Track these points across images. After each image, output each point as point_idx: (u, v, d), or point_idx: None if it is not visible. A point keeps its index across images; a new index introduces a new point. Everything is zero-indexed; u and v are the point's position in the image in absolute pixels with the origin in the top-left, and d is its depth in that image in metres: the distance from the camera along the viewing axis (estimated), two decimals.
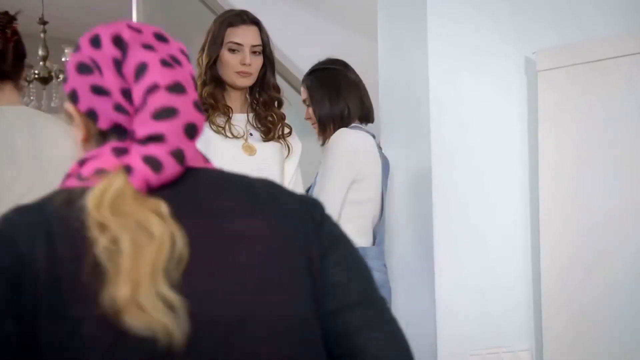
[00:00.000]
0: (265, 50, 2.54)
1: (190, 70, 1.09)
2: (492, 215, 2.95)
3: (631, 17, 3.21)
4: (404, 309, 2.92)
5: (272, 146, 2.55)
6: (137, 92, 1.02)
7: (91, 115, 1.06)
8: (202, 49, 2.55)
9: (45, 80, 5.54)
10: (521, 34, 3.03)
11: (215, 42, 2.51)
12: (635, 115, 2.71)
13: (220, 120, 2.50)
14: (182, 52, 1.11)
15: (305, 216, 1.07)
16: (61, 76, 5.57)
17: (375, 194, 2.72)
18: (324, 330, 1.03)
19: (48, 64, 5.57)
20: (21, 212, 0.99)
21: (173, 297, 0.91)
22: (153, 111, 1.01)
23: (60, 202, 0.97)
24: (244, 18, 2.53)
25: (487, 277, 2.91)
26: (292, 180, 2.60)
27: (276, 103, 2.60)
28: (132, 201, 0.96)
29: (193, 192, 1.04)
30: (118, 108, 1.04)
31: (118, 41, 1.06)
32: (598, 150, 2.81)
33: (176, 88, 1.02)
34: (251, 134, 2.54)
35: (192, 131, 1.04)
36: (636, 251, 2.68)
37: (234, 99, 2.56)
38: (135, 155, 1.00)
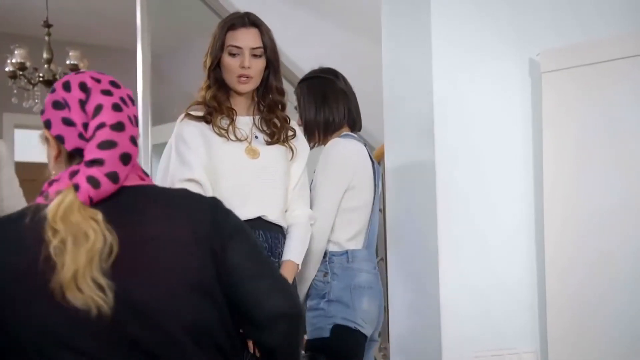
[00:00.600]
0: (267, 52, 2.52)
1: (134, 112, 1.49)
2: (496, 217, 2.95)
3: (633, 17, 3.20)
4: (408, 310, 2.92)
5: (277, 149, 2.54)
6: (91, 126, 1.41)
7: (60, 139, 1.45)
8: (205, 54, 2.55)
9: (49, 83, 5.55)
10: (524, 35, 3.02)
11: (217, 46, 2.50)
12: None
13: (224, 122, 2.49)
14: (129, 96, 1.50)
15: (209, 218, 1.46)
16: None
17: (367, 201, 2.79)
18: (232, 299, 1.44)
19: (52, 66, 5.58)
20: (3, 221, 1.43)
21: (103, 281, 1.32)
22: (98, 142, 1.40)
23: (30, 214, 1.36)
24: (245, 21, 2.52)
25: (491, 278, 2.91)
26: (298, 183, 2.59)
27: (280, 106, 2.58)
28: (78, 211, 1.35)
29: (124, 204, 1.42)
30: (80, 136, 1.43)
31: (83, 86, 1.45)
32: (602, 152, 2.81)
33: (118, 126, 1.42)
34: (256, 137, 2.53)
35: (126, 159, 1.42)
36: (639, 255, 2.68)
37: (239, 102, 2.55)
38: (82, 176, 1.38)
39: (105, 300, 1.32)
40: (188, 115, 2.49)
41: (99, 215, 1.35)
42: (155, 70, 4.11)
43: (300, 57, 4.64)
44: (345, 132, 2.84)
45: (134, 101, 1.50)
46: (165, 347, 1.37)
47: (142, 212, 1.43)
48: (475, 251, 2.89)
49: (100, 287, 1.32)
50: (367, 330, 2.69)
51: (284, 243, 2.50)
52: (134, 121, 1.47)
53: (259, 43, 2.50)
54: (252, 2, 4.51)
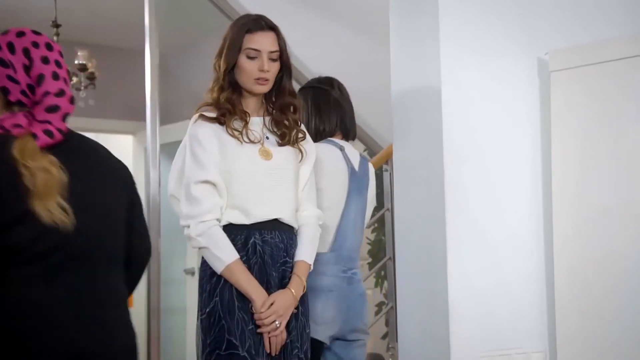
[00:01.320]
0: (283, 56, 2.53)
1: (66, 69, 1.95)
2: (504, 216, 2.94)
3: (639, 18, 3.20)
4: (416, 310, 2.91)
5: (287, 151, 2.54)
6: (38, 93, 1.88)
7: (4, 90, 1.89)
8: (219, 54, 2.52)
9: None
10: (532, 34, 3.02)
11: (233, 48, 2.49)
12: None
13: (237, 124, 2.48)
14: (60, 54, 1.96)
15: (128, 176, 2.09)
16: (74, 79, 5.59)
17: (335, 203, 2.82)
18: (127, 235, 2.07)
19: None
20: None
21: (65, 205, 1.81)
22: (46, 107, 1.88)
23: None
24: (262, 24, 2.51)
25: (499, 278, 2.90)
26: (307, 184, 2.59)
27: (292, 108, 2.59)
28: (39, 154, 1.81)
29: (73, 149, 1.93)
30: (23, 93, 1.89)
31: (26, 53, 1.89)
32: (610, 151, 2.80)
33: (60, 93, 1.90)
34: (267, 138, 2.54)
35: (66, 117, 1.91)
36: None
37: (250, 103, 2.55)
38: (38, 129, 1.85)
39: (68, 218, 1.81)
40: (202, 117, 2.48)
41: (53, 158, 1.82)
42: (163, 70, 4.11)
43: (307, 56, 4.64)
44: (328, 139, 2.90)
45: (62, 54, 1.96)
46: (102, 253, 1.94)
47: (86, 155, 1.96)
48: (483, 251, 2.88)
49: (64, 209, 1.80)
50: (319, 333, 2.70)
51: (296, 243, 2.53)
52: (68, 78, 1.92)
53: (276, 47, 2.50)
54: (259, 2, 4.51)
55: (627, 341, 2.71)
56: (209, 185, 2.40)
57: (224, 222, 2.43)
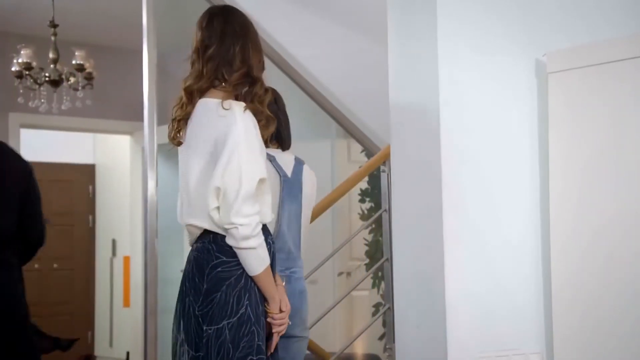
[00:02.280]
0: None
1: None
2: (502, 218, 2.95)
3: (638, 19, 3.20)
4: (413, 310, 2.91)
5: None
6: None
7: None
8: (246, 46, 2.40)
9: (55, 83, 5.55)
10: (530, 36, 3.02)
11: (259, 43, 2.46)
12: None
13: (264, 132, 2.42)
14: None
15: (25, 167, 2.85)
16: (72, 79, 5.59)
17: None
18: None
19: (59, 66, 5.58)
20: None
21: None
22: None
23: None
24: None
25: (496, 280, 2.90)
26: None
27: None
28: None
29: None
30: None
31: None
32: (609, 153, 2.80)
33: None
34: None
35: None
36: None
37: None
38: None
39: None
40: (249, 108, 2.35)
41: None
42: (161, 70, 4.10)
43: (305, 56, 4.63)
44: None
45: None
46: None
47: None
48: (480, 252, 2.88)
49: None
50: None
51: None
52: None
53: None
54: (258, 3, 4.51)
55: (624, 343, 2.72)
56: (263, 183, 2.33)
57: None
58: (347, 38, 4.77)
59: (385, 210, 4.24)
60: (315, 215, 4.39)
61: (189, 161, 2.44)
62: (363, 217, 5.44)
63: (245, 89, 2.37)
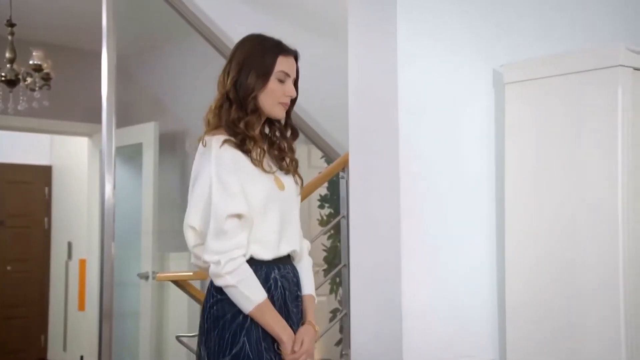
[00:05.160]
0: (297, 83, 2.40)
1: None
2: (458, 225, 2.98)
3: (593, 33, 3.27)
4: (370, 317, 2.92)
5: (291, 180, 2.41)
6: None
7: None
8: (238, 72, 2.31)
9: (12, 82, 5.47)
10: (488, 47, 3.06)
11: (266, 71, 2.31)
12: (600, 128, 2.75)
13: (255, 153, 2.30)
14: None
15: None
16: (29, 79, 5.51)
17: None
18: None
19: (15, 66, 5.50)
20: None
21: None
22: None
23: None
24: (289, 48, 2.38)
25: (452, 289, 2.93)
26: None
27: (294, 134, 2.45)
28: None
29: None
30: None
31: None
32: (562, 163, 2.85)
33: None
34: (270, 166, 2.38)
35: None
36: (599, 263, 2.72)
37: (257, 129, 2.36)
38: None
39: None
40: (228, 142, 2.26)
41: None
42: (121, 72, 4.08)
43: None
44: None
45: None
46: None
47: None
48: (436, 260, 2.91)
49: None
50: None
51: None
52: None
53: (296, 73, 2.41)
54: (218, 5, 4.50)
55: (573, 349, 2.76)
56: (240, 218, 2.21)
57: (246, 257, 2.25)
58: (307, 41, 4.78)
59: (343, 216, 4.25)
60: None
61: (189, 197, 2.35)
62: (322, 222, 5.44)
63: (227, 116, 2.30)
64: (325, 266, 5.41)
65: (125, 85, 4.89)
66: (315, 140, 5.15)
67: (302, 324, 2.35)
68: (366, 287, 2.95)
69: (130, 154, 6.07)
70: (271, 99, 2.32)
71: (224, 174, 2.22)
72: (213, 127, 2.32)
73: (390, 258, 2.85)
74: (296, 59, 2.39)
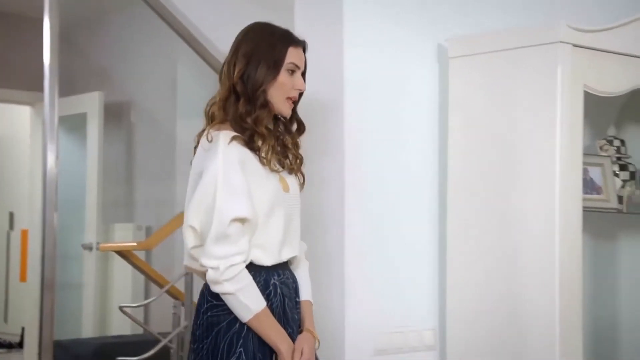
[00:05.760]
0: (304, 75, 2.31)
1: None
2: (402, 200, 3.01)
3: (536, 9, 3.31)
4: (314, 292, 2.94)
5: (294, 179, 2.30)
6: None
7: None
8: (246, 64, 2.19)
9: None
10: (433, 21, 3.08)
11: (276, 62, 2.19)
12: (539, 104, 2.79)
13: (264, 151, 2.18)
14: None
15: None
16: None
17: None
18: None
19: None
20: None
21: None
22: None
23: None
24: (299, 39, 2.28)
25: (394, 262, 2.98)
26: None
27: (301, 129, 2.34)
28: None
29: None
30: None
31: None
32: (503, 139, 2.89)
33: None
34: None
35: None
36: (538, 247, 2.77)
37: (265, 125, 2.23)
38: None
39: None
40: (237, 139, 2.13)
41: None
42: (66, 40, 4.01)
43: (214, 36, 4.60)
44: None
45: None
46: None
47: None
48: (380, 234, 2.95)
49: None
50: None
51: None
52: None
53: (304, 65, 2.31)
54: None
55: (508, 319, 2.83)
56: (243, 222, 2.10)
57: (246, 262, 2.14)
58: (254, 16, 4.75)
59: None
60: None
61: (187, 195, 2.23)
62: None
63: (233, 110, 2.18)
64: None
65: (69, 53, 4.80)
66: None
67: (301, 331, 2.26)
68: (310, 262, 2.97)
69: (74, 124, 5.97)
70: (281, 93, 2.21)
71: (231, 174, 2.09)
72: (219, 121, 2.19)
73: (334, 233, 2.87)
74: (304, 50, 2.29)
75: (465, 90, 2.99)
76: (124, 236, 5.79)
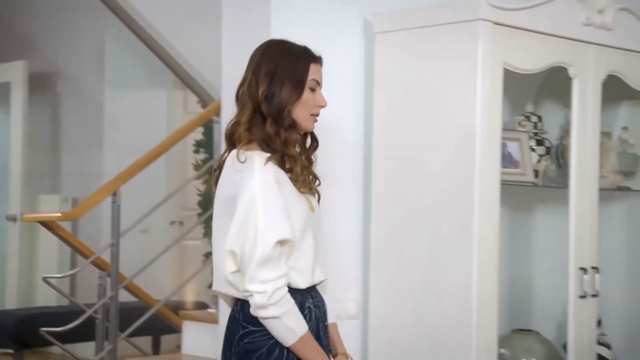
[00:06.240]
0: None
1: None
2: (327, 171, 3.02)
3: None
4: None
5: (315, 199, 2.28)
6: None
7: None
8: (269, 83, 2.17)
9: None
10: None
11: (300, 80, 2.18)
12: (461, 81, 2.85)
13: (295, 173, 2.18)
14: None
15: None
16: None
17: None
18: None
19: None
20: None
21: None
22: None
23: None
24: (316, 54, 2.28)
25: (322, 238, 3.00)
26: None
27: (316, 145, 2.32)
28: None
29: None
30: None
31: None
32: (427, 116, 2.94)
33: None
34: None
35: None
36: (458, 218, 2.83)
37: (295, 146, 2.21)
38: None
39: None
40: (272, 159, 2.11)
41: None
42: None
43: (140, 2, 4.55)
44: None
45: None
46: None
47: None
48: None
49: None
50: None
51: None
52: None
53: None
54: None
55: (427, 288, 2.91)
56: (282, 244, 2.07)
57: None
58: None
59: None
60: (146, 163, 4.39)
61: (215, 221, 2.21)
62: (197, 167, 5.47)
63: (261, 131, 2.15)
64: (200, 211, 5.46)
65: None
66: (191, 85, 5.14)
67: (335, 355, 2.27)
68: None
69: None
70: (305, 111, 2.20)
71: (271, 196, 2.06)
72: (246, 142, 2.15)
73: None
74: (321, 65, 2.28)
75: (390, 66, 3.03)
76: (49, 207, 5.73)
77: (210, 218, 4.59)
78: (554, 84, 3.44)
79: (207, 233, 5.10)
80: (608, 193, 3.43)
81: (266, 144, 2.14)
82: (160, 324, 4.96)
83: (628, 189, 3.58)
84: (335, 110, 3.04)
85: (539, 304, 3.64)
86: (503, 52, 2.85)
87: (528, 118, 3.44)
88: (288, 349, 2.08)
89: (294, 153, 2.17)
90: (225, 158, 2.21)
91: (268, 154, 2.11)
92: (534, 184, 3.33)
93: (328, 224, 3.00)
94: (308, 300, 2.17)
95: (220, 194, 2.19)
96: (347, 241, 3.11)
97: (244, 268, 2.06)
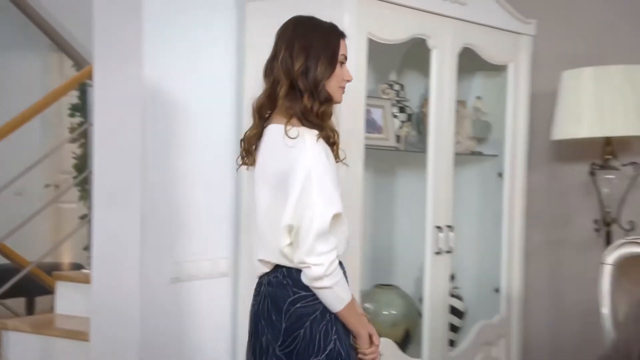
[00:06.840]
0: None
1: None
2: (199, 134, 3.12)
3: None
4: (109, 220, 3.02)
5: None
6: None
7: None
8: (305, 59, 2.24)
9: None
10: None
11: (333, 57, 2.26)
12: None
13: (336, 146, 2.29)
14: None
15: None
16: None
17: None
18: None
19: None
20: None
21: None
22: None
23: None
24: (343, 31, 2.36)
25: (193, 197, 3.10)
26: None
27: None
28: None
29: None
30: None
31: None
32: None
33: None
34: None
35: None
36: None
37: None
38: None
39: None
40: (321, 135, 2.20)
41: None
42: None
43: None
44: None
45: None
46: None
47: None
48: (176, 167, 3.04)
49: None
50: None
51: None
52: None
53: None
54: None
55: None
56: (339, 218, 2.18)
57: None
58: None
59: (91, 124, 4.29)
60: (18, 124, 4.34)
61: (258, 192, 2.28)
62: (72, 131, 5.43)
63: (299, 105, 2.22)
64: (76, 174, 5.44)
65: None
66: (66, 49, 5.08)
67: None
68: (109, 194, 3.04)
69: None
70: (336, 83, 2.28)
71: (325, 172, 2.15)
72: (287, 117, 2.21)
73: (132, 167, 2.95)
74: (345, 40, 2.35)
75: (259, 36, 3.09)
76: None
77: (85, 181, 4.63)
78: (416, 55, 3.61)
79: (83, 196, 5.10)
80: (462, 157, 3.66)
81: (305, 118, 2.22)
82: (34, 286, 4.96)
83: (480, 154, 3.83)
84: (208, 82, 3.13)
85: (399, 260, 3.86)
86: (368, 23, 2.96)
87: (391, 86, 3.60)
88: None
89: (333, 126, 2.26)
90: (256, 132, 2.31)
91: (316, 131, 2.19)
92: (396, 148, 3.49)
93: (202, 189, 3.11)
94: (343, 269, 2.27)
95: (268, 169, 2.25)
96: (220, 206, 3.20)
97: (301, 241, 2.14)
